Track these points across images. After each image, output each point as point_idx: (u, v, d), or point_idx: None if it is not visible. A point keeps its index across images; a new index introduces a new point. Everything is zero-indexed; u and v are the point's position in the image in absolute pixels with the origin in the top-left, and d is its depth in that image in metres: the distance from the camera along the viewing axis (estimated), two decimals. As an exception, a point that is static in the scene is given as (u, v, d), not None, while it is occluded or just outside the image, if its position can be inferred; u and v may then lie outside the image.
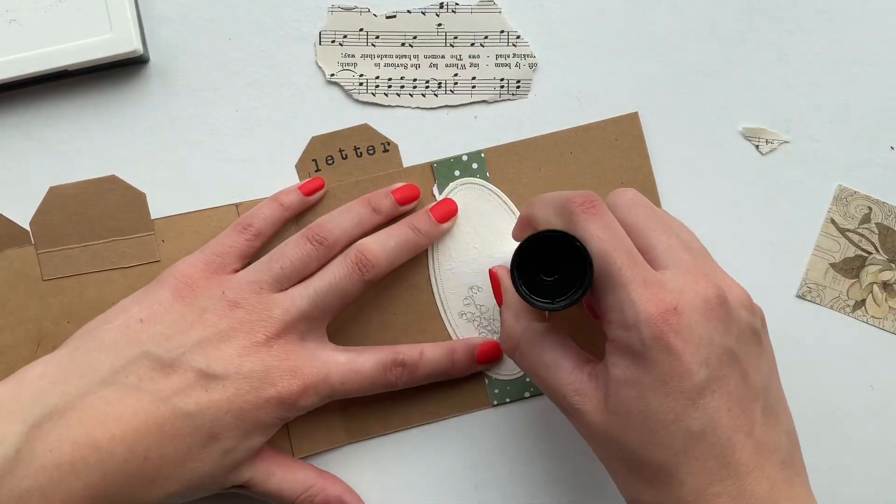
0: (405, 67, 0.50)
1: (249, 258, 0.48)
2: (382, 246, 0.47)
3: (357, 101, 0.50)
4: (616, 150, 0.51)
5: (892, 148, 0.51)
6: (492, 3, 0.50)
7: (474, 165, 0.50)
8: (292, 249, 0.46)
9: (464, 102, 0.51)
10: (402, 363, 0.48)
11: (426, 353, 0.48)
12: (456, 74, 0.50)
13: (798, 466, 0.40)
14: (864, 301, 0.51)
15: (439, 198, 0.50)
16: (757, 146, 0.51)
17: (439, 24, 0.50)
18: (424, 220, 0.49)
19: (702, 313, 0.38)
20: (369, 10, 0.50)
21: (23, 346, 0.49)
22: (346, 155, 0.50)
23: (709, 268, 0.41)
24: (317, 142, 0.50)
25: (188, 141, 0.50)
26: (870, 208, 0.51)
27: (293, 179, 0.50)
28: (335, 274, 0.46)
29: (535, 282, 0.40)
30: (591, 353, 0.42)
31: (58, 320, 0.49)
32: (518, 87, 0.51)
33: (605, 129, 0.51)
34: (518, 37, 0.50)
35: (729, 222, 0.51)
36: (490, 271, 0.44)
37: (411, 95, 0.51)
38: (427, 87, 0.51)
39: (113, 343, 0.44)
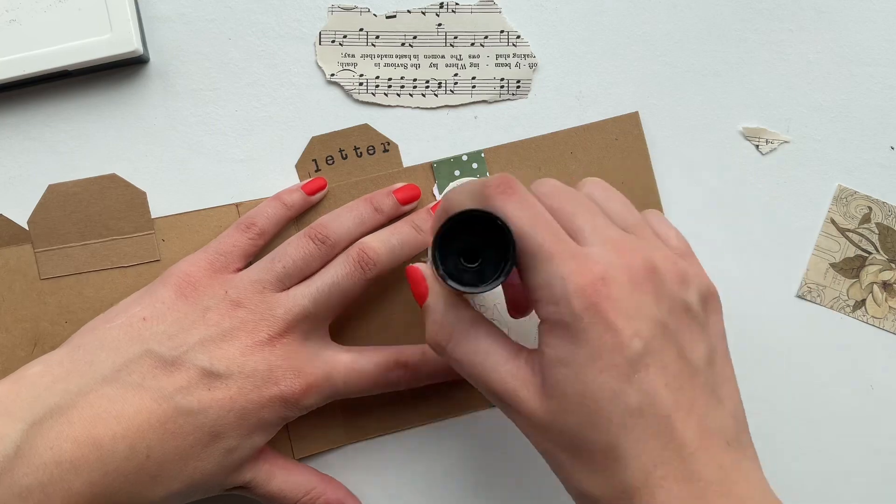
0: (405, 67, 0.50)
1: (252, 257, 0.48)
2: (384, 244, 0.47)
3: (357, 101, 0.50)
4: (616, 150, 0.51)
5: (893, 148, 0.51)
6: (492, 3, 0.50)
7: (474, 165, 0.50)
8: (294, 248, 0.46)
9: (464, 102, 0.51)
10: (405, 364, 0.48)
11: (428, 354, 0.48)
12: (456, 74, 0.50)
13: (746, 449, 0.38)
14: (864, 301, 0.51)
15: (439, 198, 0.50)
16: (757, 146, 0.51)
17: (439, 24, 0.50)
18: (426, 218, 0.49)
19: (630, 284, 0.37)
20: (369, 10, 0.50)
21: (19, 345, 0.49)
22: (346, 155, 0.50)
23: (641, 242, 0.39)
24: (317, 142, 0.50)
25: (188, 141, 0.50)
26: (870, 208, 0.51)
27: (293, 179, 0.50)
28: (337, 272, 0.46)
29: (459, 269, 0.38)
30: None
31: (55, 320, 0.49)
32: (518, 87, 0.51)
33: (605, 129, 0.51)
34: (518, 37, 0.50)
35: (729, 222, 0.51)
36: (408, 268, 0.42)
37: (411, 95, 0.51)
38: (427, 87, 0.51)
39: (115, 341, 0.44)
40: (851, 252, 0.51)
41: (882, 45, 0.51)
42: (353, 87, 0.50)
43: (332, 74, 0.50)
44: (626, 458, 0.36)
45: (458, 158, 0.50)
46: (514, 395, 0.38)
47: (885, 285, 0.51)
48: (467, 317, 0.40)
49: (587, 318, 0.36)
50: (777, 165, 0.51)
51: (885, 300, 0.51)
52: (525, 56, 0.51)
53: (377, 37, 0.50)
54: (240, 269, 0.47)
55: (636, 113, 0.51)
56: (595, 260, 0.37)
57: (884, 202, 0.51)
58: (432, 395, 0.50)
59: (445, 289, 0.41)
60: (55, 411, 0.41)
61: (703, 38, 0.51)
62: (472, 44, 0.50)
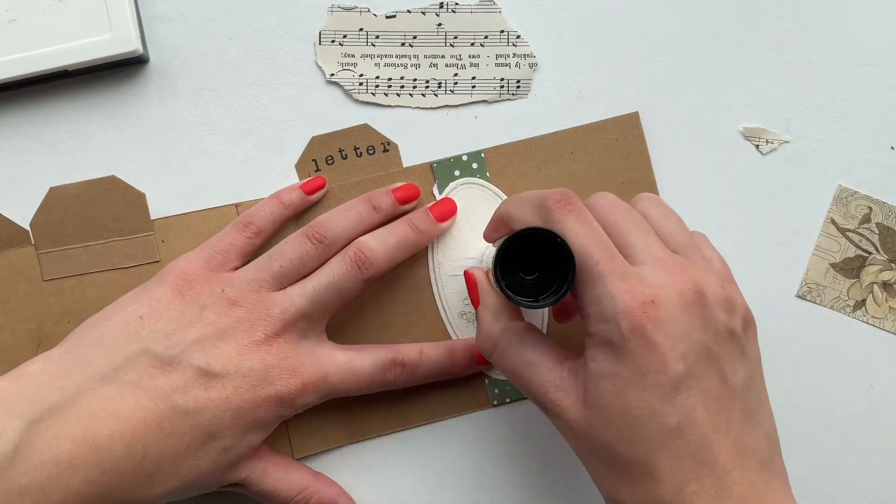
0: (405, 67, 0.50)
1: (249, 256, 0.48)
2: (381, 243, 0.47)
3: (357, 101, 0.50)
4: (616, 150, 0.51)
5: (893, 148, 0.51)
6: (492, 3, 0.50)
7: (474, 165, 0.50)
8: (292, 248, 0.46)
9: (464, 102, 0.51)
10: (402, 363, 0.48)
11: (426, 353, 0.48)
12: (456, 74, 0.50)
13: (777, 468, 0.40)
14: (864, 301, 0.51)
15: (439, 198, 0.50)
16: (757, 146, 0.51)
17: (439, 24, 0.50)
18: (423, 218, 0.49)
19: (679, 308, 0.38)
20: (369, 10, 0.50)
21: (24, 346, 0.49)
22: (346, 155, 0.50)
23: (691, 265, 0.40)
24: (317, 142, 0.50)
25: (188, 141, 0.50)
26: (870, 208, 0.51)
27: (293, 179, 0.50)
28: (334, 272, 0.46)
29: (516, 281, 0.39)
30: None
31: (59, 320, 0.49)
32: (518, 86, 0.51)
33: (605, 129, 0.51)
34: (518, 37, 0.50)
35: (729, 222, 0.51)
36: (466, 273, 0.44)
37: (411, 95, 0.51)
38: (427, 87, 0.51)
39: (112, 339, 0.44)
40: (851, 252, 0.51)
41: (882, 45, 0.51)
42: (352, 87, 0.50)
43: (332, 74, 0.50)
44: (661, 473, 0.37)
45: (457, 158, 0.50)
46: (556, 405, 0.40)
47: (886, 285, 0.51)
48: (516, 327, 0.42)
49: (634, 339, 0.37)
50: (777, 165, 0.51)
51: (886, 300, 0.51)
52: (525, 56, 0.50)
53: (377, 37, 0.50)
54: (237, 268, 0.47)
55: (636, 113, 0.51)
56: (646, 282, 0.38)
57: (884, 202, 0.51)
58: (431, 395, 0.50)
59: (500, 297, 0.42)
60: (53, 410, 0.41)
61: (703, 38, 0.51)
62: (472, 44, 0.50)
